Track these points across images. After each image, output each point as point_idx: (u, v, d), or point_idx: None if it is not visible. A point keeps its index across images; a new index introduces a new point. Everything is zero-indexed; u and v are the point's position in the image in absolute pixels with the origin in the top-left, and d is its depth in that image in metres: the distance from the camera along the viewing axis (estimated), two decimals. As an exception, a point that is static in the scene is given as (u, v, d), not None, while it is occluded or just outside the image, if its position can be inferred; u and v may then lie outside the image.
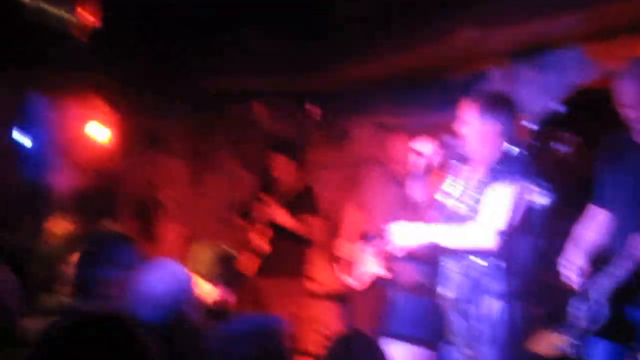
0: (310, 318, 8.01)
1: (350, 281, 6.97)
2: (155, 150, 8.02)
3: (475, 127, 4.93)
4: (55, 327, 2.36)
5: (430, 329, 4.27)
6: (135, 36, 7.04)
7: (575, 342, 4.40)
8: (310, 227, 7.38)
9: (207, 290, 5.36)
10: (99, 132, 7.60)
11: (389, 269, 6.55)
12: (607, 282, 4.29)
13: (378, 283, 6.75)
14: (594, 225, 4.64)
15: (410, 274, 6.21)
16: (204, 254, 5.54)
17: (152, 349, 2.30)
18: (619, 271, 4.23)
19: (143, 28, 7.04)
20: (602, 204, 4.60)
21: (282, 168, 7.58)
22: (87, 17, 6.14)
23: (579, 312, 4.40)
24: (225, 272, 5.52)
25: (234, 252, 5.81)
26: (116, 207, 7.71)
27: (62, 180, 7.40)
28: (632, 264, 4.15)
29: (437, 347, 4.47)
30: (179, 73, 7.66)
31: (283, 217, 7.34)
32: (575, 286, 4.50)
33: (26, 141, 7.38)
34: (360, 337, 3.68)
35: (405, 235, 5.01)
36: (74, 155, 7.51)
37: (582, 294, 4.43)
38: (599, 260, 4.42)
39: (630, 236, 4.21)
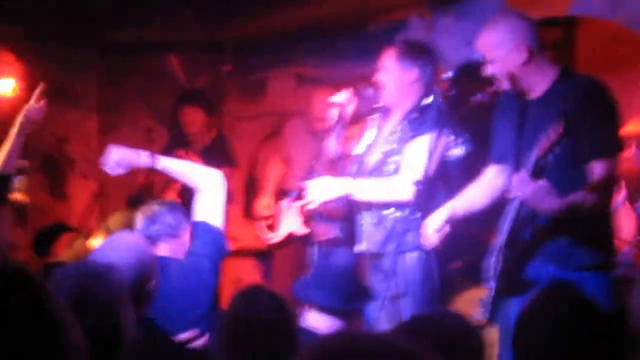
0: (231, 278, 7.86)
1: (269, 238, 6.85)
2: (63, 102, 7.74)
3: (392, 74, 4.92)
4: None
5: (344, 294, 4.17)
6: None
7: (489, 299, 4.28)
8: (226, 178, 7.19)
9: None
10: (4, 84, 7.34)
11: (307, 226, 6.46)
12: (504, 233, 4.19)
13: (296, 240, 6.65)
14: (483, 182, 4.51)
15: (327, 231, 6.16)
16: (116, 224, 5.44)
17: (63, 313, 2.02)
18: (510, 215, 4.13)
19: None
20: (495, 160, 4.48)
21: (193, 122, 7.40)
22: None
23: (488, 267, 4.29)
24: None
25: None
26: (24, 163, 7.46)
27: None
28: (517, 204, 4.06)
29: (351, 313, 4.38)
30: (88, 23, 7.41)
31: None
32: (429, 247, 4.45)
33: None
34: (263, 293, 3.49)
35: (325, 188, 4.96)
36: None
37: (492, 250, 4.31)
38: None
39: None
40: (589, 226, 4.14)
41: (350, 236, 5.26)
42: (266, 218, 6.98)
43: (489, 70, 4.28)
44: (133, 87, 8.25)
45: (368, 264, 5.09)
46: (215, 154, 7.15)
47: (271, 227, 6.89)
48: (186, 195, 7.05)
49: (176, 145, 7.26)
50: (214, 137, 7.48)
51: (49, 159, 7.85)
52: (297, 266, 6.47)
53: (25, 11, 6.96)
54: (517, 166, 4.24)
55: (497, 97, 4.56)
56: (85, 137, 8.13)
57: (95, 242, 5.36)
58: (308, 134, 6.89)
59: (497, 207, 4.44)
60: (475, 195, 4.51)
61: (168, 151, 7.27)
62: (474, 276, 4.96)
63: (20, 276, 2.04)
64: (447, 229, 4.43)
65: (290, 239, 6.71)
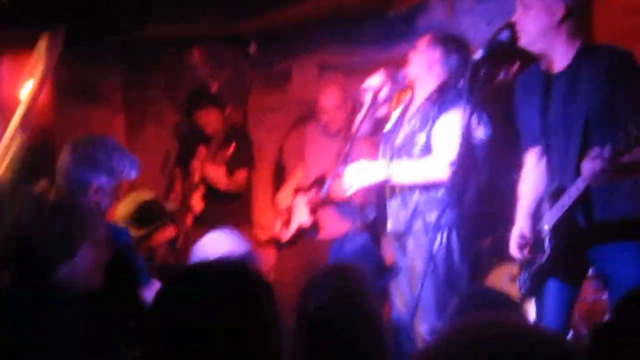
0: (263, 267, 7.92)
1: (285, 230, 6.96)
2: (89, 101, 7.80)
3: (419, 54, 5.07)
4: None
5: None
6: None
7: (527, 277, 4.30)
8: (243, 182, 7.22)
9: None
10: (33, 88, 7.40)
11: (322, 219, 6.64)
12: (555, 216, 4.16)
13: (311, 233, 6.79)
14: (530, 173, 4.48)
15: (341, 222, 6.25)
16: (125, 206, 5.51)
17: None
18: (564, 201, 4.11)
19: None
20: (530, 142, 4.45)
21: (210, 122, 7.39)
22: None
23: (518, 244, 4.32)
24: (148, 219, 5.46)
25: (155, 198, 5.73)
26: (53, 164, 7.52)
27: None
28: (576, 193, 4.02)
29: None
30: (109, 21, 7.45)
31: (217, 173, 7.17)
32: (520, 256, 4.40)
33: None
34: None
35: (362, 173, 5.02)
36: (5, 112, 7.31)
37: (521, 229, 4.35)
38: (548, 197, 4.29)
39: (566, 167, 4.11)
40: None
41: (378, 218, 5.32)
42: (285, 210, 7.06)
43: (521, 39, 4.25)
44: (157, 83, 8.30)
45: (392, 243, 5.13)
46: (238, 155, 7.21)
47: (287, 222, 6.98)
48: (210, 198, 7.17)
49: (195, 143, 7.35)
50: (231, 130, 7.45)
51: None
52: (307, 257, 6.56)
53: (49, 11, 6.97)
54: (546, 145, 4.24)
55: (519, 77, 4.54)
56: (112, 135, 8.18)
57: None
58: (326, 136, 6.93)
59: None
60: (529, 191, 4.47)
61: (188, 150, 7.35)
62: (501, 253, 4.99)
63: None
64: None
65: (301, 232, 6.84)
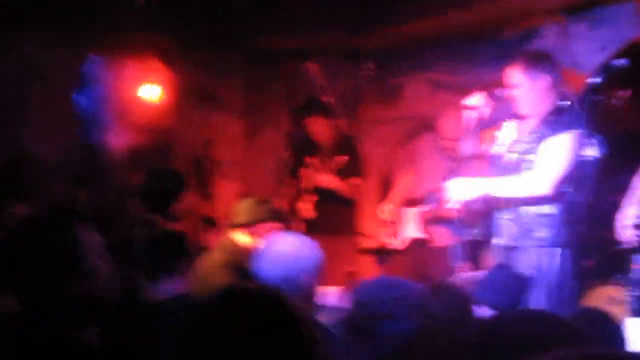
0: (364, 274, 8.08)
1: (393, 242, 7.08)
2: (210, 107, 8.08)
3: (525, 88, 5.01)
4: (210, 300, 2.20)
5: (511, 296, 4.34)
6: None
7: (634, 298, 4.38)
8: (356, 188, 7.34)
9: (247, 242, 5.48)
10: (154, 91, 7.68)
11: (431, 232, 6.73)
12: None
13: (418, 245, 6.89)
14: None
15: (447, 237, 6.35)
16: (242, 205, 5.67)
17: (312, 329, 2.16)
18: None
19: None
20: None
21: (320, 131, 7.40)
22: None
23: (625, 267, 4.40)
24: (266, 214, 5.60)
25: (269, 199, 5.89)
26: (172, 166, 7.80)
27: (120, 140, 7.52)
28: None
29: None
30: (233, 30, 7.70)
31: (328, 180, 7.24)
32: (631, 242, 4.48)
33: (83, 101, 7.49)
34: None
35: (464, 188, 5.06)
36: (130, 115, 7.61)
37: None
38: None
39: None
40: None
41: (487, 232, 5.39)
42: (388, 223, 7.17)
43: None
44: (275, 92, 8.51)
45: (500, 256, 5.19)
46: (349, 165, 7.28)
47: (393, 233, 7.11)
48: (319, 206, 7.33)
49: (307, 151, 7.45)
50: (341, 141, 7.48)
51: (197, 161, 8.19)
52: (415, 268, 6.71)
53: (173, 19, 7.22)
54: None
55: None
56: (230, 140, 8.44)
57: (240, 237, 5.59)
58: (438, 150, 6.98)
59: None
60: None
61: (297, 159, 7.50)
62: (602, 274, 5.04)
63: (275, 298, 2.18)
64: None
65: (411, 244, 6.95)
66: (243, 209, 5.68)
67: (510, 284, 4.35)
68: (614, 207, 4.82)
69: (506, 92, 5.14)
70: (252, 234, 5.52)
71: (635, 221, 4.49)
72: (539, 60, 5.06)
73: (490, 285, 4.31)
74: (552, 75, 4.99)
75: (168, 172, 6.23)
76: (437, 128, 6.98)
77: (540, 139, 4.95)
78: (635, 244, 4.48)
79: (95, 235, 3.01)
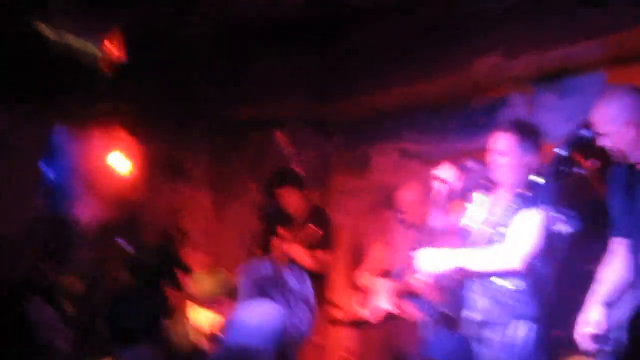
0: (333, 345, 8.01)
1: (364, 312, 7.03)
2: (177, 178, 8.03)
3: (512, 158, 4.98)
4: None
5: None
6: (156, 66, 7.07)
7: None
8: (326, 262, 7.28)
9: (205, 317, 5.45)
10: (122, 162, 7.64)
11: (401, 305, 6.69)
12: (626, 310, 4.22)
13: (390, 317, 6.84)
14: (617, 260, 4.53)
15: (416, 310, 6.33)
16: (205, 280, 5.65)
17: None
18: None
19: (164, 58, 7.08)
20: (620, 234, 4.50)
21: (291, 202, 7.39)
22: (113, 51, 6.11)
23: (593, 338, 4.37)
24: (228, 295, 5.59)
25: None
26: (140, 237, 7.72)
27: (87, 212, 7.44)
28: None
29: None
30: (199, 102, 7.69)
31: (299, 255, 7.17)
32: (590, 347, 4.45)
33: (51, 173, 7.42)
34: None
35: (433, 260, 5.02)
36: (97, 186, 7.55)
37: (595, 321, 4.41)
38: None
39: None
40: None
41: (457, 306, 5.35)
42: (364, 293, 7.12)
43: (600, 142, 4.35)
44: (242, 162, 8.48)
45: (471, 333, 5.15)
46: (316, 233, 7.23)
47: (363, 302, 7.07)
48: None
49: (277, 222, 7.38)
50: (313, 213, 7.43)
51: (166, 233, 8.08)
52: (386, 340, 6.66)
53: (138, 89, 7.22)
54: (633, 239, 4.32)
55: (608, 170, 4.61)
56: (198, 211, 8.38)
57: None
58: (398, 222, 6.98)
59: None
60: (613, 278, 4.52)
61: (268, 230, 7.45)
62: (572, 345, 5.01)
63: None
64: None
65: (382, 317, 6.88)
66: (200, 282, 5.65)
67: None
68: (584, 278, 4.80)
69: (475, 164, 5.13)
70: (208, 308, 5.51)
71: (595, 331, 4.45)
72: (533, 134, 5.05)
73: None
74: (533, 151, 4.97)
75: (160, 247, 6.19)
76: (396, 201, 6.97)
77: (512, 212, 4.93)
78: (592, 351, 4.45)
79: (50, 310, 2.98)
